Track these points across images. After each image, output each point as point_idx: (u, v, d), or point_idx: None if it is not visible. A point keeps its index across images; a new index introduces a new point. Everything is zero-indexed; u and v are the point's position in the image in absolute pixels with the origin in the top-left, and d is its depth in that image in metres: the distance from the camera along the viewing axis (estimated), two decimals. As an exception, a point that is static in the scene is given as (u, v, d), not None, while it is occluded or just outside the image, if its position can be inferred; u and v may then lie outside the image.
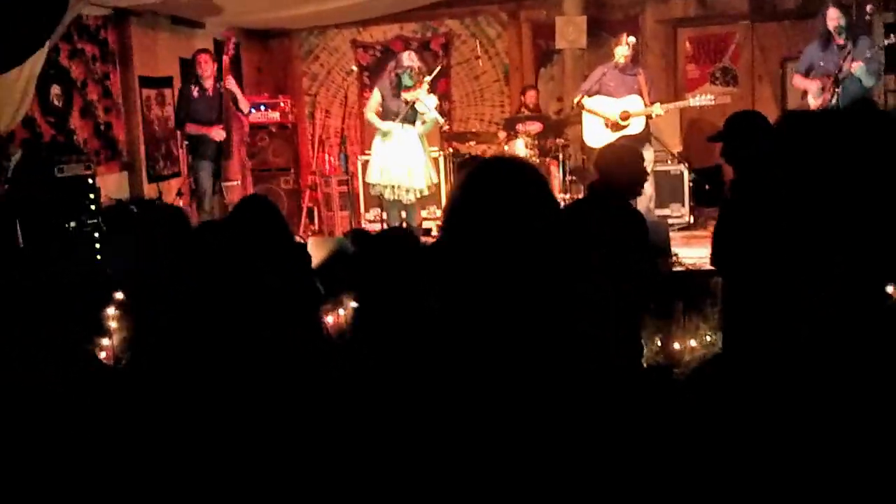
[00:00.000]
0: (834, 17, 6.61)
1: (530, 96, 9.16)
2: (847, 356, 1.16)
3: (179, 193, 8.41)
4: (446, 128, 8.12)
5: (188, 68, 7.90)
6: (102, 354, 5.68)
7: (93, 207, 6.55)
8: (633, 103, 7.28)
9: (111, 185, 7.69)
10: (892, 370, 1.14)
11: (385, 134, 7.18)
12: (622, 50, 7.20)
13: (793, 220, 1.21)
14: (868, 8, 6.82)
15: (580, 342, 1.70)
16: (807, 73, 6.91)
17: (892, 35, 6.59)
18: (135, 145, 8.21)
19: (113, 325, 6.02)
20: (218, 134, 7.30)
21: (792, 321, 1.23)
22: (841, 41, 6.65)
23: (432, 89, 7.25)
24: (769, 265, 1.31)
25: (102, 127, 7.80)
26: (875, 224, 1.17)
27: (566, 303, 1.72)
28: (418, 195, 7.35)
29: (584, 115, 7.44)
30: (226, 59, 7.52)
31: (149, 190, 8.26)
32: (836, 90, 6.56)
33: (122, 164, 8.10)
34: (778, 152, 1.23)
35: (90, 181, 6.61)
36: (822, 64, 6.75)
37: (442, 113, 7.87)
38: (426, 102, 7.08)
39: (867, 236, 1.18)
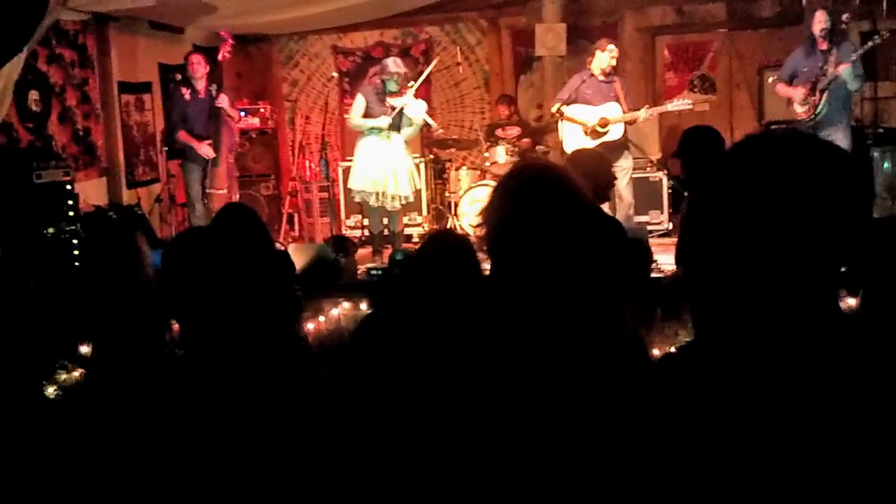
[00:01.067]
0: (821, 20, 6.67)
1: (502, 110, 9.16)
2: (800, 362, 1.20)
3: (158, 200, 8.38)
4: (440, 132, 8.10)
5: (173, 73, 7.87)
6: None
7: (71, 214, 6.52)
8: (611, 110, 7.33)
9: (90, 190, 7.65)
10: (848, 375, 1.17)
11: (371, 133, 7.14)
12: (606, 56, 7.23)
13: (732, 235, 1.25)
14: (844, 17, 6.90)
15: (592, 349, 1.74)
16: (790, 81, 6.96)
17: (868, 42, 6.67)
18: (113, 151, 8.17)
19: (85, 349, 6.01)
20: (207, 151, 7.27)
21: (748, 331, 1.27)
22: (825, 46, 6.72)
23: (417, 95, 7.28)
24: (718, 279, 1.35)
25: (81, 132, 7.76)
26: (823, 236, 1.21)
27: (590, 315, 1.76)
28: (403, 202, 7.36)
29: (563, 123, 7.47)
30: (222, 53, 7.47)
31: (128, 196, 8.23)
32: (823, 96, 6.62)
33: (101, 170, 8.06)
34: (725, 171, 1.27)
35: (68, 187, 6.58)
36: (805, 70, 6.81)
37: (436, 122, 7.87)
38: (415, 107, 7.09)
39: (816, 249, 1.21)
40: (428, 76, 9.94)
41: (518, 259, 1.80)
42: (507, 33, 10.12)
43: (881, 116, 8.32)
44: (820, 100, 6.64)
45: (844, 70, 6.51)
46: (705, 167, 4.10)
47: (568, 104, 7.36)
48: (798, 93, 6.80)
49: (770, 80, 8.23)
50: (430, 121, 7.33)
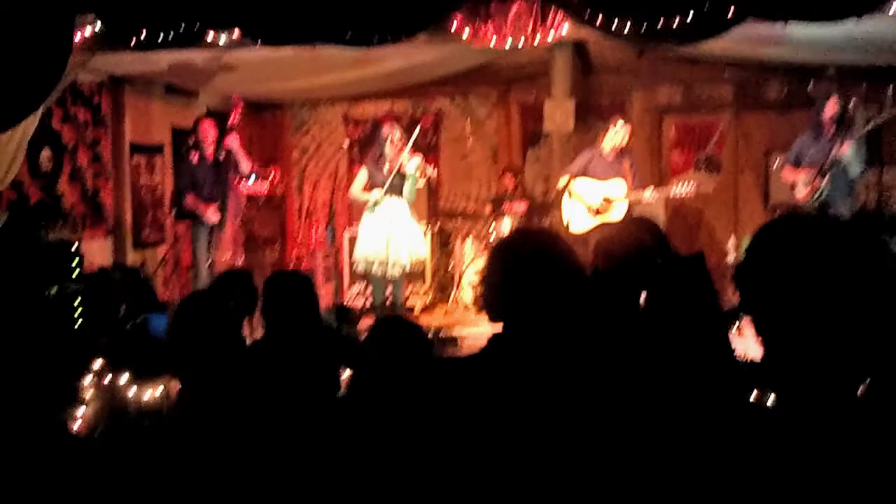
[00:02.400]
0: (833, 106, 6.74)
1: (507, 180, 9.24)
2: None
3: (163, 261, 8.38)
4: (434, 173, 8.07)
5: (186, 136, 7.95)
6: (77, 424, 5.58)
7: (76, 273, 6.50)
8: (618, 187, 7.36)
9: (95, 250, 7.66)
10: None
11: (374, 205, 7.19)
12: (618, 134, 7.30)
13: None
14: (851, 103, 6.97)
15: None
16: (797, 164, 6.99)
17: (874, 122, 6.71)
18: (121, 211, 8.20)
19: (88, 393, 5.94)
20: (212, 216, 7.30)
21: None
22: (831, 132, 6.77)
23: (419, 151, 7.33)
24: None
25: (90, 192, 7.79)
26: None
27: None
28: (404, 270, 7.34)
29: (566, 198, 7.50)
30: (233, 117, 7.55)
31: (133, 256, 8.23)
32: (824, 180, 6.64)
33: (108, 230, 8.08)
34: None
35: (74, 246, 6.58)
36: (812, 152, 6.85)
37: (430, 180, 7.85)
38: (410, 162, 7.12)
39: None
40: (437, 146, 10.04)
41: (510, 316, 1.84)
42: (515, 108, 10.24)
43: (887, 203, 8.35)
44: (821, 183, 6.65)
45: (848, 150, 6.55)
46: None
47: (576, 177, 7.42)
48: (802, 175, 6.82)
49: (777, 161, 8.27)
50: (423, 165, 7.33)
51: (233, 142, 7.36)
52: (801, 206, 6.91)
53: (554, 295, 1.84)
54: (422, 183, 7.40)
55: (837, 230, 1.31)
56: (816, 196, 6.72)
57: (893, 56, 7.46)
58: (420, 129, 7.84)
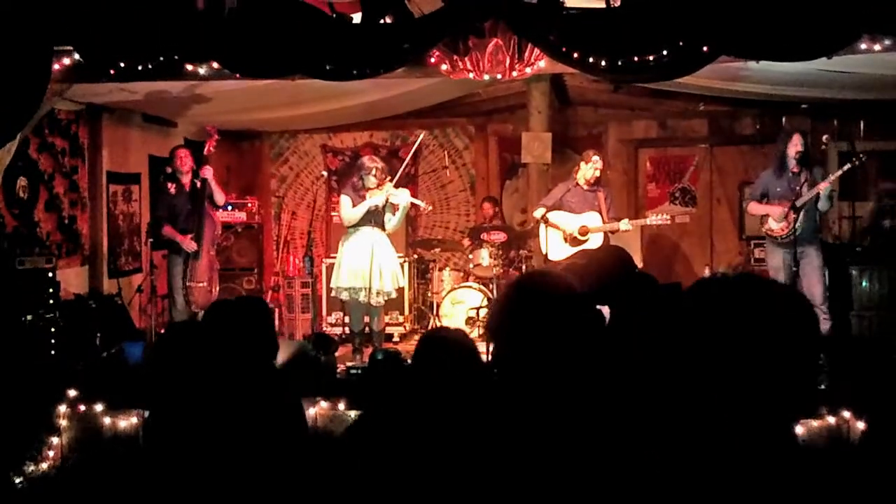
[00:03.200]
0: (797, 143, 6.83)
1: (486, 208, 9.32)
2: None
3: (139, 290, 8.33)
4: (429, 209, 8.09)
5: (163, 165, 7.95)
6: (51, 453, 5.54)
7: (51, 301, 6.47)
8: (593, 219, 7.45)
9: (71, 279, 7.61)
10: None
11: (356, 231, 7.18)
12: (590, 167, 7.40)
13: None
14: (824, 138, 7.09)
15: None
16: (761, 199, 7.10)
17: (854, 161, 6.82)
18: (98, 240, 8.17)
19: (63, 422, 5.89)
20: (189, 246, 7.31)
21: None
22: (796, 168, 6.88)
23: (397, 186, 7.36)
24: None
25: (66, 220, 7.77)
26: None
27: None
28: (387, 297, 7.34)
29: (542, 229, 7.57)
30: (208, 147, 7.58)
31: (109, 285, 8.18)
32: (797, 216, 6.73)
33: (84, 258, 8.04)
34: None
35: (50, 275, 6.55)
36: (778, 190, 6.96)
37: (409, 216, 7.90)
38: (399, 195, 7.14)
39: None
40: (415, 177, 10.09)
41: (512, 351, 1.95)
42: (493, 139, 10.34)
43: (859, 235, 8.48)
44: (795, 219, 6.76)
45: (825, 190, 6.66)
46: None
47: (552, 210, 7.49)
48: (775, 210, 6.91)
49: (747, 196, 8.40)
50: (417, 202, 7.38)
51: (207, 173, 7.38)
52: (774, 240, 7.00)
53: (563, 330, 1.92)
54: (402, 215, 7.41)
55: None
56: (791, 231, 6.81)
57: (864, 92, 7.62)
58: (405, 163, 7.93)
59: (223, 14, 5.57)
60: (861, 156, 6.84)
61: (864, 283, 7.72)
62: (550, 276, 2.23)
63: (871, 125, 8.50)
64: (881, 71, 6.65)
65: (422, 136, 8.57)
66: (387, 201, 7.14)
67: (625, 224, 7.38)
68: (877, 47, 5.50)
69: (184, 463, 2.67)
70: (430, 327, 8.67)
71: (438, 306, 8.58)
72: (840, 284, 7.52)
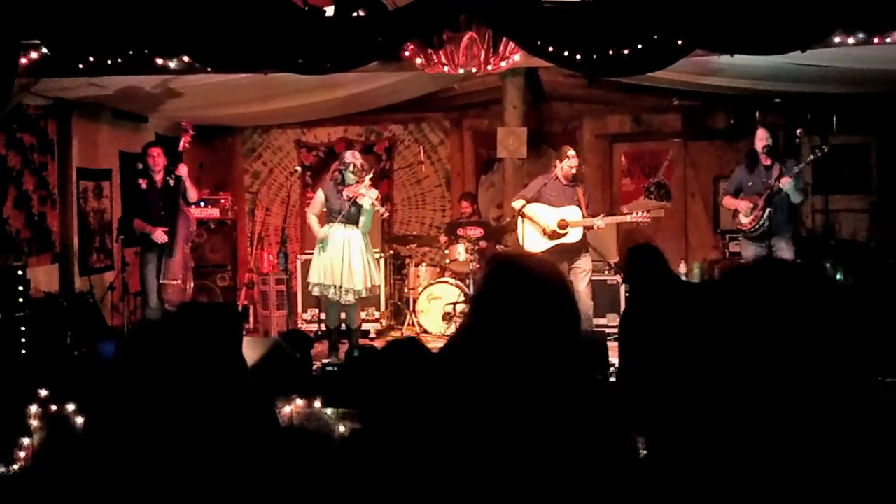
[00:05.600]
0: (762, 138, 6.92)
1: (464, 206, 9.29)
2: None
3: (111, 288, 8.23)
4: (386, 215, 8.09)
5: (134, 161, 7.85)
6: (22, 454, 5.44)
7: (21, 300, 6.36)
8: (572, 213, 7.43)
9: (42, 277, 7.50)
10: None
11: (323, 238, 7.18)
12: (569, 162, 7.40)
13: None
14: (798, 132, 7.13)
15: None
16: (736, 194, 7.16)
17: (817, 151, 6.88)
18: (68, 237, 8.04)
19: (34, 423, 5.79)
20: (160, 236, 7.22)
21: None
22: (767, 161, 6.94)
23: (375, 186, 7.33)
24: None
25: (36, 217, 7.64)
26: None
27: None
28: (357, 297, 7.31)
29: (521, 222, 7.56)
30: (183, 143, 7.49)
31: (80, 283, 8.07)
32: (768, 209, 6.80)
33: (54, 256, 7.92)
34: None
35: (20, 272, 6.44)
36: (750, 184, 7.02)
37: (386, 209, 7.89)
38: (366, 194, 7.11)
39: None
40: (390, 173, 10.05)
41: (487, 331, 1.90)
42: (469, 134, 10.31)
43: (832, 228, 8.54)
44: (763, 213, 6.82)
45: (787, 184, 6.73)
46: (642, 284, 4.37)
47: (530, 202, 7.47)
48: (743, 204, 6.99)
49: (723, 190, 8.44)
50: (378, 206, 7.32)
51: (182, 171, 7.30)
52: (744, 233, 7.07)
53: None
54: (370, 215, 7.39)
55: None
56: (759, 224, 6.87)
57: (837, 85, 7.67)
58: (380, 162, 7.90)
59: (194, 7, 5.50)
60: (824, 147, 6.91)
61: (837, 277, 7.78)
62: (531, 257, 2.20)
63: (842, 119, 8.56)
64: (853, 65, 6.69)
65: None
66: (354, 199, 7.11)
67: (601, 220, 7.37)
68: (850, 41, 5.53)
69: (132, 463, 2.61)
70: (406, 323, 8.64)
71: (415, 302, 8.54)
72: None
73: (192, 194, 7.48)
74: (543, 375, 1.86)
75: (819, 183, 7.43)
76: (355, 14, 5.64)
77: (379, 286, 7.92)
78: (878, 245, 8.48)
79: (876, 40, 5.57)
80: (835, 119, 8.43)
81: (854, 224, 9.01)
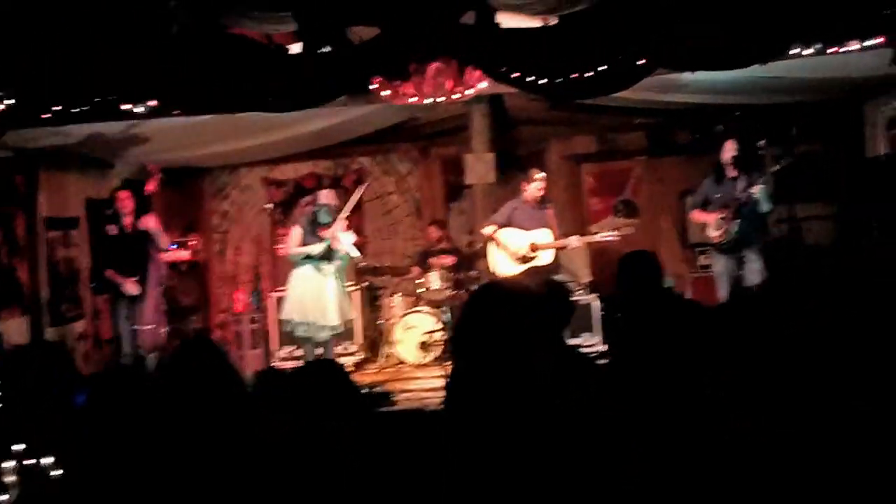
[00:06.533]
0: (730, 149, 7.00)
1: (431, 231, 9.31)
2: None
3: (83, 337, 8.13)
4: (362, 263, 8.15)
5: (102, 207, 7.78)
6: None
7: (-7, 354, 6.25)
8: (542, 236, 7.49)
9: (12, 329, 7.37)
10: None
11: (304, 263, 7.14)
12: (536, 185, 7.46)
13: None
14: (760, 143, 7.25)
15: None
16: (703, 207, 7.23)
17: (781, 161, 6.98)
18: (37, 289, 7.92)
19: (10, 479, 5.68)
20: (131, 288, 7.15)
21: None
22: (734, 173, 7.02)
23: (349, 221, 7.35)
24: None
25: (4, 271, 7.53)
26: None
27: None
28: (332, 332, 7.29)
29: (492, 247, 7.59)
30: (151, 186, 7.43)
31: (51, 333, 7.95)
32: (736, 220, 6.88)
33: (24, 308, 7.79)
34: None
35: (-9, 327, 6.34)
36: (717, 197, 7.10)
37: (362, 252, 7.93)
38: (342, 239, 7.12)
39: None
40: (360, 204, 10.05)
41: (471, 355, 1.98)
42: (437, 162, 10.35)
43: (798, 236, 8.66)
44: (732, 225, 6.89)
45: (759, 191, 6.79)
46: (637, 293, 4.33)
47: (501, 227, 7.52)
48: (712, 217, 7.06)
49: (688, 204, 8.53)
50: (354, 251, 7.33)
51: (149, 221, 7.24)
52: (714, 246, 7.14)
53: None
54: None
55: None
56: (730, 237, 6.95)
57: (795, 95, 7.83)
58: (359, 197, 7.90)
59: (159, 51, 5.49)
60: (788, 157, 7.01)
61: (807, 285, 7.86)
62: (505, 283, 2.25)
63: (803, 129, 8.71)
64: (811, 74, 6.84)
65: (363, 187, 8.45)
66: (333, 245, 7.12)
67: (574, 240, 7.44)
68: (808, 51, 5.65)
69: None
70: (383, 354, 8.61)
71: (390, 333, 8.52)
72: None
73: (164, 241, 7.45)
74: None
75: (783, 192, 7.53)
76: (321, 50, 5.66)
77: (353, 319, 7.91)
78: (844, 251, 8.61)
79: (832, 50, 5.70)
80: (795, 128, 8.57)
81: (820, 230, 9.15)
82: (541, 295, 2.11)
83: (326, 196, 7.28)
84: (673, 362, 1.83)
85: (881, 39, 5.62)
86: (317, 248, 7.11)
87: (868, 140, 8.50)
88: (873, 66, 6.33)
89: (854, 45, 5.69)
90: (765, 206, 6.95)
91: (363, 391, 5.89)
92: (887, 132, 8.02)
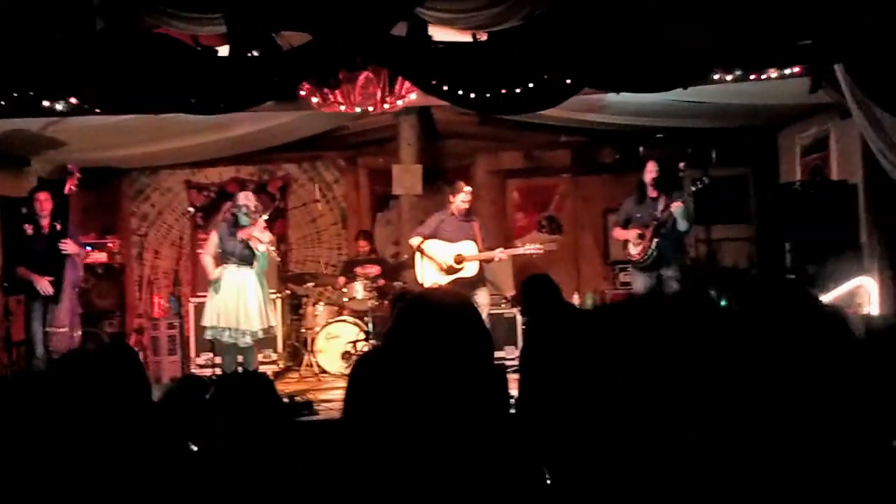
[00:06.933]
0: (651, 170, 7.16)
1: (361, 245, 9.29)
2: None
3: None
4: (278, 260, 8.00)
5: (16, 206, 7.52)
6: None
7: None
8: (468, 249, 7.54)
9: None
10: None
11: (217, 280, 7.07)
12: (463, 197, 7.51)
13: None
14: (680, 165, 7.43)
15: None
16: (625, 225, 7.38)
17: (698, 183, 7.17)
18: (-54, 288, 7.63)
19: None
20: (45, 287, 6.93)
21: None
22: (654, 194, 7.19)
23: (269, 229, 7.26)
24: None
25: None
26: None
27: None
28: (254, 338, 7.19)
29: (419, 258, 7.62)
30: (69, 186, 7.20)
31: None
32: (656, 239, 7.04)
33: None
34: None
35: None
36: (638, 216, 7.26)
37: (278, 252, 7.82)
38: (260, 238, 7.03)
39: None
40: (285, 212, 9.97)
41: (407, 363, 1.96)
42: (364, 172, 10.33)
43: (715, 257, 8.90)
44: (652, 243, 7.06)
45: (677, 209, 6.96)
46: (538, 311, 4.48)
47: (427, 239, 7.55)
48: (632, 234, 7.21)
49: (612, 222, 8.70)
50: (270, 249, 7.23)
51: (69, 247, 6.98)
52: (633, 264, 7.29)
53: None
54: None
55: None
56: (649, 254, 7.10)
57: (716, 120, 8.06)
58: (274, 201, 7.81)
59: (82, 47, 5.36)
60: (704, 179, 7.21)
61: (722, 303, 8.08)
62: (437, 292, 2.26)
63: (721, 153, 8.96)
64: (731, 100, 7.05)
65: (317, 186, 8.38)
66: (247, 242, 7.03)
67: (499, 253, 7.52)
68: (729, 77, 5.82)
69: None
70: (304, 363, 8.52)
71: (313, 342, 8.44)
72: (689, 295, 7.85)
73: (79, 265, 7.24)
74: (455, 407, 1.89)
75: (701, 214, 7.74)
76: (249, 54, 5.60)
77: (275, 327, 7.81)
78: (760, 272, 8.88)
79: (752, 77, 5.89)
80: (714, 153, 8.82)
81: (736, 252, 9.42)
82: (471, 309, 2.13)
83: (245, 197, 7.18)
84: (582, 366, 1.86)
85: (797, 69, 5.83)
86: (218, 272, 7.04)
87: (783, 166, 8.79)
88: (793, 94, 6.55)
89: (773, 73, 5.89)
90: (683, 226, 7.13)
91: (284, 400, 5.84)
92: (802, 159, 8.31)
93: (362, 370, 2.25)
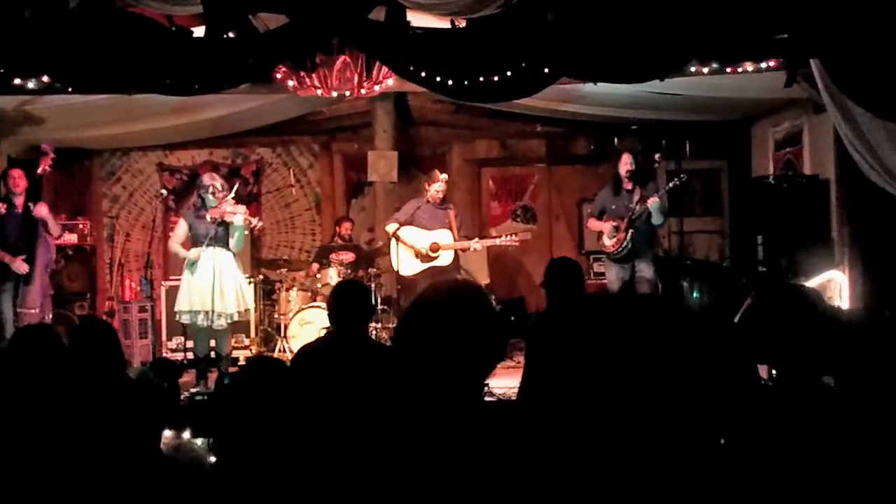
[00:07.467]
0: (626, 162, 7.20)
1: (345, 227, 9.25)
2: None
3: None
4: (261, 224, 7.81)
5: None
6: None
7: None
8: (443, 237, 7.54)
9: None
10: None
11: (191, 264, 6.98)
12: (438, 186, 7.51)
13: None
14: (656, 157, 7.47)
15: None
16: (600, 216, 7.42)
17: (676, 180, 7.23)
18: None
19: None
20: (20, 267, 6.84)
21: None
22: (629, 186, 7.23)
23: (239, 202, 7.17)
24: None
25: None
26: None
27: None
28: (230, 320, 7.12)
29: (394, 245, 7.60)
30: (43, 166, 7.10)
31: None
32: (630, 231, 7.08)
33: None
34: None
35: None
36: (613, 207, 7.29)
37: (259, 220, 7.67)
38: (235, 211, 6.94)
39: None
40: (259, 196, 9.89)
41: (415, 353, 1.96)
42: (339, 158, 10.28)
43: (687, 249, 8.96)
44: (626, 235, 7.09)
45: (653, 204, 7.01)
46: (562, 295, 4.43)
47: (403, 226, 7.54)
48: (607, 226, 7.25)
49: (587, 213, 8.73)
50: (249, 218, 7.12)
51: (41, 211, 6.93)
52: (608, 255, 7.33)
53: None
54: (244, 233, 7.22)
55: None
56: (623, 247, 7.14)
57: (690, 113, 8.10)
58: (241, 179, 7.72)
59: (55, 25, 5.27)
60: (683, 176, 7.27)
61: (694, 294, 8.16)
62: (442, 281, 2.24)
63: (694, 146, 9.03)
64: (707, 93, 7.09)
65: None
66: (222, 219, 6.93)
67: (475, 243, 7.53)
68: (705, 70, 5.85)
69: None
70: (277, 349, 8.48)
71: (286, 328, 8.40)
72: (672, 296, 7.92)
73: (55, 229, 7.15)
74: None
75: (675, 206, 7.79)
76: (225, 35, 5.54)
77: (250, 310, 7.76)
78: (731, 264, 8.96)
79: (728, 70, 5.93)
80: (688, 145, 8.87)
81: (707, 245, 9.49)
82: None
83: (210, 178, 7.04)
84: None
85: (773, 63, 5.87)
86: (191, 254, 6.94)
87: (756, 159, 8.86)
88: (767, 88, 6.60)
89: (749, 67, 5.93)
90: (657, 220, 7.18)
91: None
92: (776, 153, 8.38)
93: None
